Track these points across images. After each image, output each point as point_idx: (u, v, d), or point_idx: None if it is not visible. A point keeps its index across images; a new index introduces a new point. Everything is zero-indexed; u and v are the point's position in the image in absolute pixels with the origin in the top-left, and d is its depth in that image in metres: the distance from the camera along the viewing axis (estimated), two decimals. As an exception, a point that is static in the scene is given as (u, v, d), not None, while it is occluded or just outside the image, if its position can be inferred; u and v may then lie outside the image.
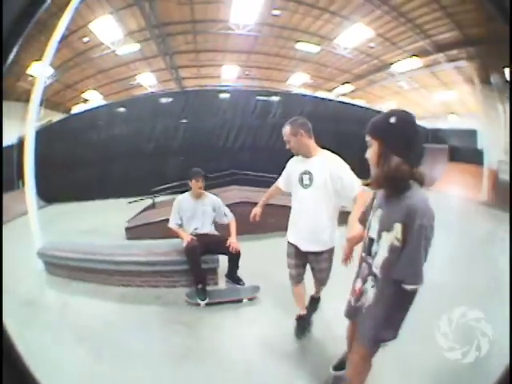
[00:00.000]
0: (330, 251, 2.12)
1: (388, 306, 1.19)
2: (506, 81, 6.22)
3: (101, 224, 5.62)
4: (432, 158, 9.84)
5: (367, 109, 10.19)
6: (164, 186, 5.77)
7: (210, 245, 3.04)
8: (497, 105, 6.63)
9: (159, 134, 7.14)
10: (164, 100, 7.71)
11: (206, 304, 2.82)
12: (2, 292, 0.94)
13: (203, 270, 2.99)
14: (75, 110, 8.25)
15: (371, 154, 1.19)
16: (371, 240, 1.25)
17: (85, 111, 7.95)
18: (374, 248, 1.24)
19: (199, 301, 2.83)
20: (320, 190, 1.99)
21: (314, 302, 2.56)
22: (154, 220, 4.67)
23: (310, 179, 2.02)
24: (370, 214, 1.32)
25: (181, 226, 3.17)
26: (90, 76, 8.11)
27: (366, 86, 10.58)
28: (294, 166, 2.16)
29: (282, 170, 2.32)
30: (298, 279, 2.28)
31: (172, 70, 8.64)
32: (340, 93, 10.78)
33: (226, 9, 7.08)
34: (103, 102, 8.34)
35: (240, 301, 2.85)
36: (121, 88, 8.68)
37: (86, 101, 8.31)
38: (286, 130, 2.06)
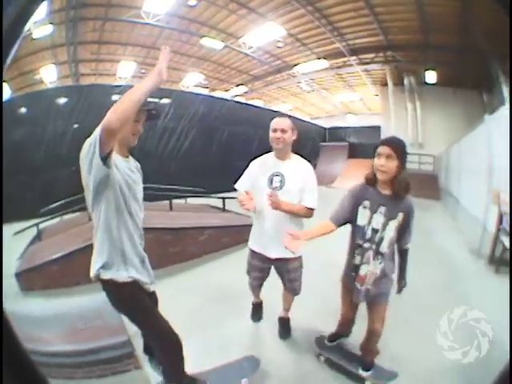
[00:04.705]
0: (300, 258, 2.04)
1: (392, 267, 1.67)
2: (425, 82, 6.97)
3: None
4: (331, 156, 10.30)
5: (264, 109, 10.14)
6: (54, 205, 4.53)
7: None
8: (406, 104, 7.38)
9: (48, 139, 5.79)
10: (57, 98, 6.38)
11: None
12: (2, 290, 0.90)
13: None
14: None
15: (392, 165, 1.47)
16: (375, 230, 1.59)
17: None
18: (378, 235, 1.58)
19: None
20: (289, 195, 1.90)
21: (285, 324, 2.31)
22: (40, 262, 3.23)
23: (281, 182, 1.93)
24: (354, 212, 1.63)
25: None
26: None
27: (262, 87, 10.74)
28: (263, 167, 2.01)
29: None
30: (259, 289, 2.24)
31: (72, 63, 7.63)
32: (234, 94, 10.79)
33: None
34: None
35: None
36: (25, 83, 7.26)
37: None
38: (287, 121, 1.96)
